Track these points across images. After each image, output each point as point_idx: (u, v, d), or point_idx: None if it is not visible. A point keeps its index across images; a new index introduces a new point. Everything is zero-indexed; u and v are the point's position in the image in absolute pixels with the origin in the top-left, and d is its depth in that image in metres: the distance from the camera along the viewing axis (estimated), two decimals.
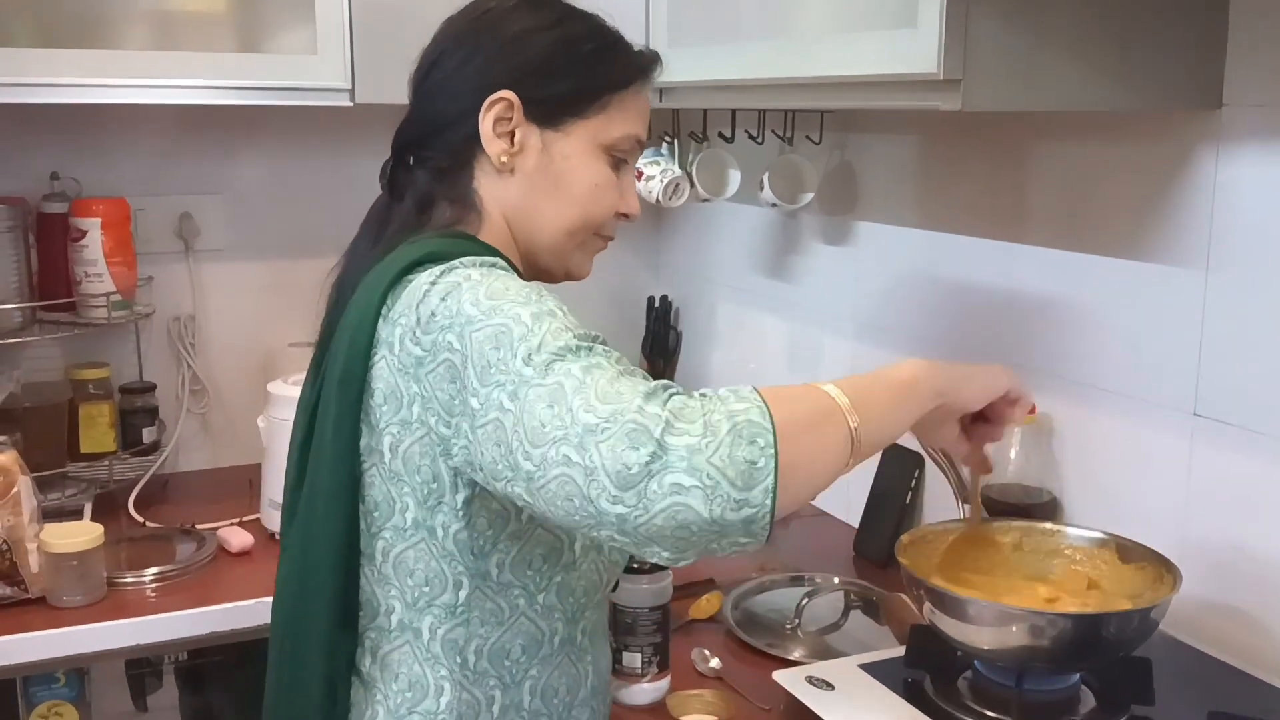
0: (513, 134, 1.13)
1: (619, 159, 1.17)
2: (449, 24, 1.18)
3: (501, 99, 1.12)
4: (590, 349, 0.94)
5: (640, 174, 2.05)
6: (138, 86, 1.79)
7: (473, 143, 1.14)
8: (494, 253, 1.11)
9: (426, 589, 1.07)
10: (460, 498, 1.03)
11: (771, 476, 0.86)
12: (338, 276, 1.18)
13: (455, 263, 1.03)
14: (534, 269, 1.19)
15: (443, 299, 0.99)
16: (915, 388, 1.03)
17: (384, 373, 1.03)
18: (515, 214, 1.15)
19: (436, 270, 1.02)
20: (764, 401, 0.89)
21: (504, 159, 1.13)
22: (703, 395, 0.91)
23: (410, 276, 1.04)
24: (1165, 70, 1.29)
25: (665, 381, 0.92)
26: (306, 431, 1.11)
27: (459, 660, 1.08)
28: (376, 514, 1.07)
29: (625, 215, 1.20)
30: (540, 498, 0.90)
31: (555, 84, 1.14)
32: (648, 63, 1.19)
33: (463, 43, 1.15)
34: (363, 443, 1.06)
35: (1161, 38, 1.27)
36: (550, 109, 1.14)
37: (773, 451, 0.86)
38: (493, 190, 1.15)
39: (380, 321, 1.04)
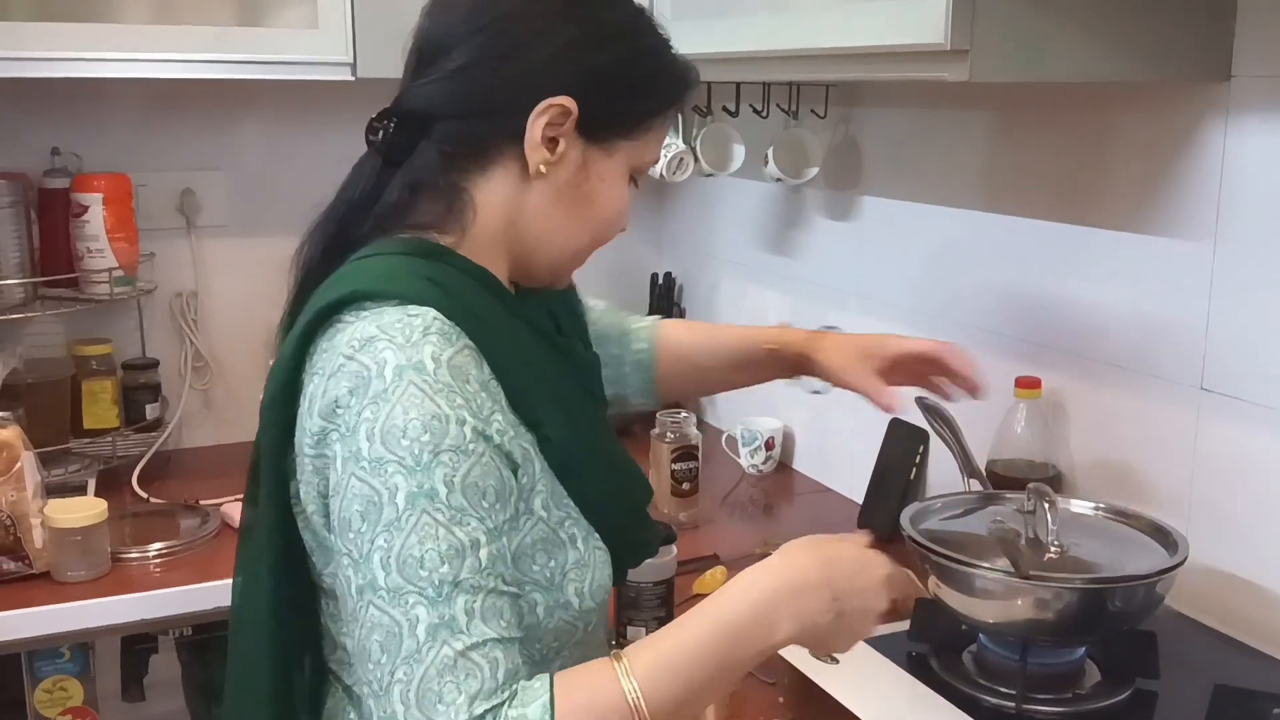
0: (556, 141, 1.02)
1: (634, 180, 1.10)
2: None
3: (560, 106, 1.00)
4: (454, 584, 0.86)
5: None
6: (137, 60, 1.78)
7: (505, 140, 1.01)
8: (462, 271, 1.01)
9: None
10: None
11: None
12: (305, 255, 1.10)
13: (375, 330, 0.92)
14: (521, 274, 1.09)
15: (350, 392, 0.90)
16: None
17: (299, 423, 0.96)
18: (526, 222, 1.04)
19: (357, 337, 0.92)
20: None
21: (542, 168, 1.02)
22: None
23: (339, 319, 0.96)
24: (1173, 41, 1.28)
25: (484, 712, 0.84)
26: (258, 450, 1.03)
27: None
28: (314, 558, 1.01)
29: (619, 231, 1.13)
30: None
31: (615, 100, 1.04)
32: (692, 81, 1.10)
33: (534, 20, 1.02)
34: (292, 485, 0.99)
35: (1170, 8, 1.26)
36: (603, 126, 1.03)
37: None
38: (505, 192, 1.03)
39: (305, 362, 0.97)
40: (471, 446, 0.90)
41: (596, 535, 1.03)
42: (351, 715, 1.05)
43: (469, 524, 0.88)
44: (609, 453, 1.10)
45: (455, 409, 0.90)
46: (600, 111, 1.02)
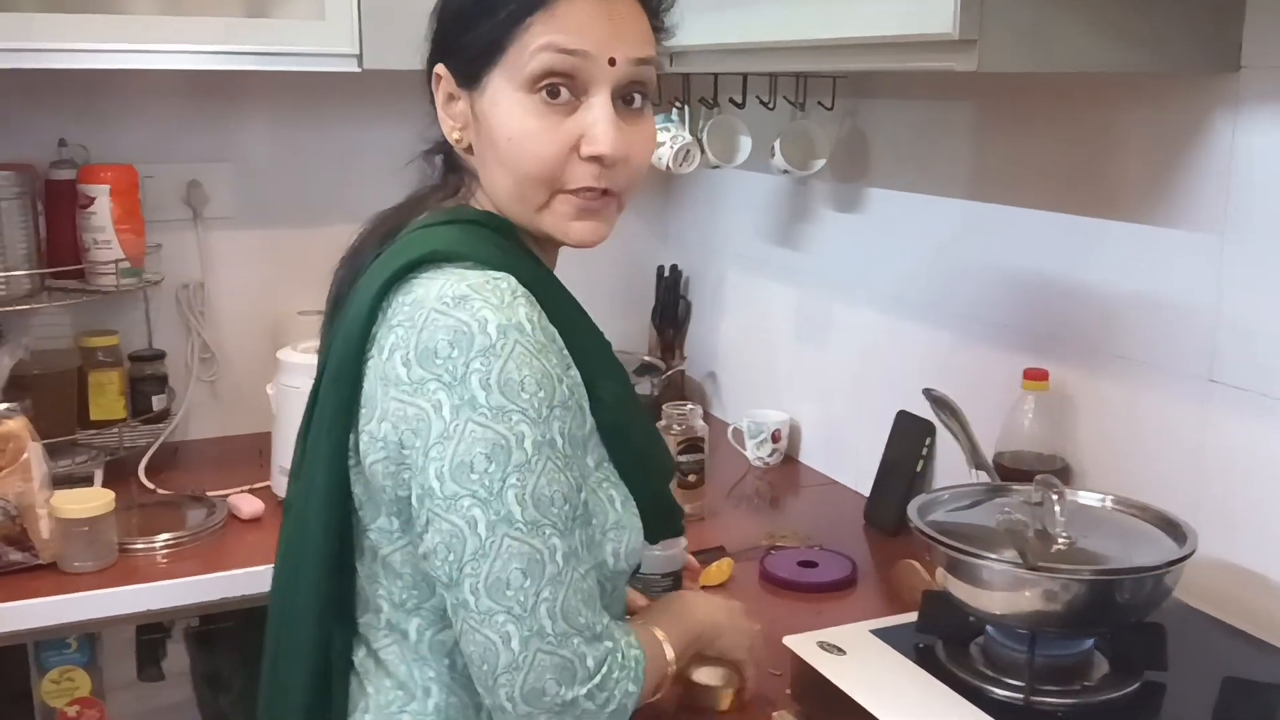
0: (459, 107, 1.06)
1: (551, 89, 1.00)
2: None
3: (436, 75, 1.07)
4: (574, 520, 0.96)
5: None
6: (144, 51, 1.78)
7: None
8: (505, 232, 1.05)
9: (415, 591, 1.03)
10: None
11: None
12: (368, 229, 1.14)
13: (467, 289, 0.95)
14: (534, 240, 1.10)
15: (450, 344, 0.93)
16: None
17: (370, 373, 0.99)
18: (485, 189, 1.08)
19: (449, 293, 0.95)
20: (640, 690, 1.02)
21: (456, 136, 1.07)
22: (620, 666, 0.99)
23: (414, 276, 0.99)
24: (1183, 32, 1.27)
25: (607, 626, 0.99)
26: (308, 420, 1.07)
27: (447, 662, 1.04)
28: (363, 512, 1.03)
29: (594, 158, 1.01)
30: (458, 624, 0.96)
31: (460, 44, 1.04)
32: None
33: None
34: (351, 438, 1.01)
35: None
36: (468, 69, 1.04)
37: None
38: (472, 166, 1.09)
39: (380, 318, 1.00)
40: (571, 403, 0.97)
41: (632, 500, 1.06)
42: (369, 688, 1.07)
43: (574, 470, 0.97)
44: (647, 419, 1.14)
45: (554, 369, 0.96)
46: (459, 61, 1.04)
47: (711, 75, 1.98)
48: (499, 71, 1.01)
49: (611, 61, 1.00)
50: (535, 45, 0.99)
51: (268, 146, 2.22)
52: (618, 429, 1.04)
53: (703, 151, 2.02)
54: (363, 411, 1.00)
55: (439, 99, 1.07)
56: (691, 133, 2.03)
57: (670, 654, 1.10)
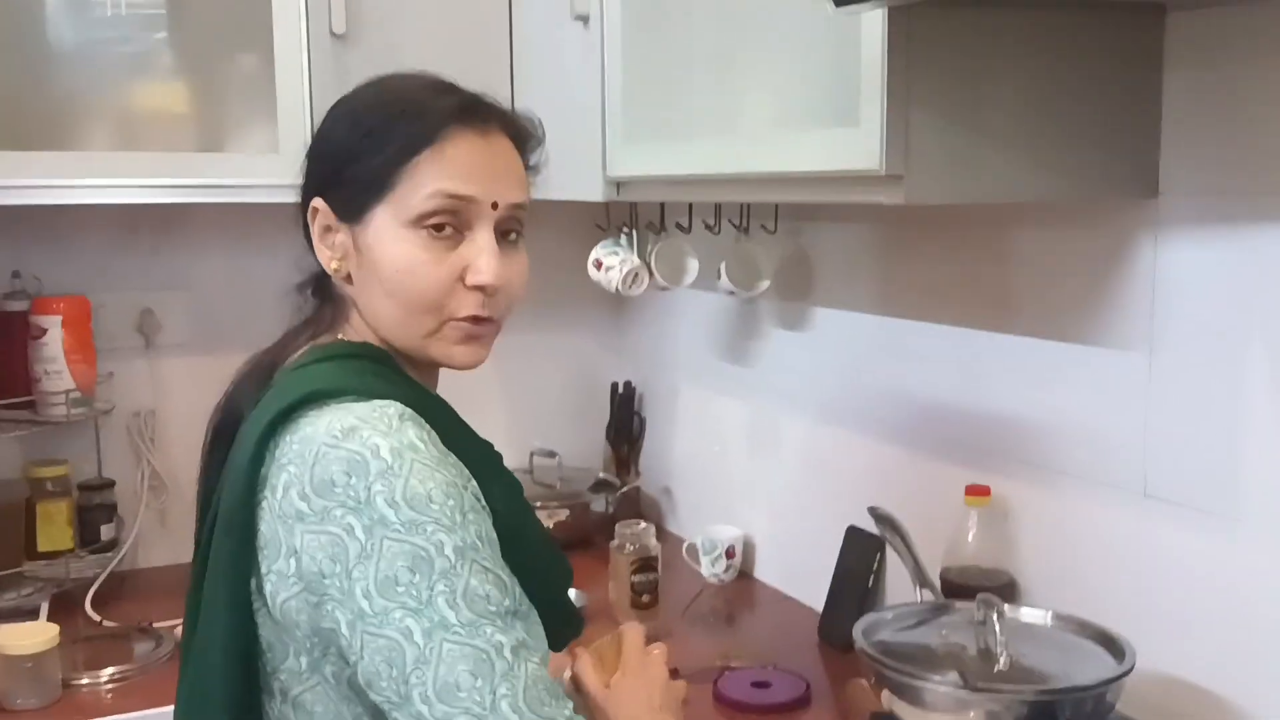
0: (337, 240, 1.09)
1: (439, 226, 1.05)
2: None
3: (313, 208, 1.10)
4: (514, 614, 0.96)
5: (600, 264, 2.08)
6: (100, 187, 1.81)
7: None
8: (381, 361, 1.08)
9: None
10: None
11: None
12: (243, 374, 1.15)
13: (354, 420, 0.97)
14: (410, 361, 1.12)
15: (347, 474, 0.94)
16: None
17: (266, 515, 0.98)
18: (366, 317, 1.10)
19: (336, 427, 0.96)
20: None
21: (334, 267, 1.10)
22: None
23: (298, 413, 1.00)
24: (1102, 161, 1.33)
25: (572, 715, 0.97)
26: (199, 571, 1.05)
27: None
28: (270, 654, 1.02)
29: (479, 287, 1.07)
30: None
31: (346, 175, 1.07)
32: (447, 114, 1.07)
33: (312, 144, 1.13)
34: (252, 581, 1.00)
35: (1097, 129, 1.31)
36: (349, 203, 1.07)
37: None
38: (351, 296, 1.11)
39: (267, 458, 0.99)
40: (481, 505, 0.99)
41: (534, 608, 1.05)
42: None
43: (500, 565, 0.98)
44: (542, 528, 1.14)
45: (456, 478, 0.98)
46: (341, 195, 1.08)
47: (659, 203, 2.04)
48: (384, 207, 1.06)
49: (494, 205, 1.08)
50: (426, 191, 1.05)
51: (221, 275, 2.24)
52: (512, 533, 1.03)
53: (651, 274, 2.07)
54: (263, 554, 0.99)
55: (315, 230, 1.10)
56: (640, 256, 2.07)
57: None
